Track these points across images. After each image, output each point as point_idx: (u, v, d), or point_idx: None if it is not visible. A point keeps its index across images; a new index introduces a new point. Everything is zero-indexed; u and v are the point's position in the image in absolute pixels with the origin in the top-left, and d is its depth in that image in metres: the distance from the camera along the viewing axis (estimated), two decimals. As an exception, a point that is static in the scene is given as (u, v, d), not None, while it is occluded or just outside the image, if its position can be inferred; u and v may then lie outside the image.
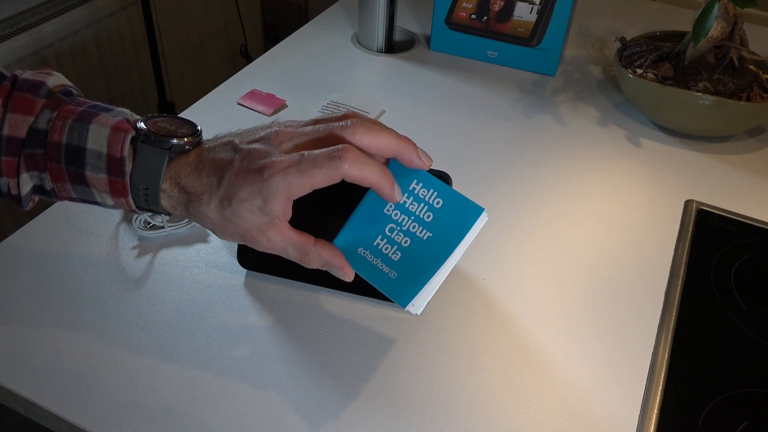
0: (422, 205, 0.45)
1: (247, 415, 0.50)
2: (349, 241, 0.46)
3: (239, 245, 0.61)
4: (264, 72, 0.93)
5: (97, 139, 0.44)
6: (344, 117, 0.44)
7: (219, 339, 0.55)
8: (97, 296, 0.58)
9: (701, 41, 0.80)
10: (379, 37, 0.98)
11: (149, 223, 0.65)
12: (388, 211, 0.46)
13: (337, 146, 0.42)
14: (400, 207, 0.45)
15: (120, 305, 0.58)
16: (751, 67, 0.83)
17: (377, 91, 0.90)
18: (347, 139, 0.43)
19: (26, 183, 0.46)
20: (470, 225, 0.43)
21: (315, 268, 0.46)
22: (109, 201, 0.47)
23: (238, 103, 0.85)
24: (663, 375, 0.54)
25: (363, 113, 0.84)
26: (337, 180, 0.42)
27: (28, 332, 0.55)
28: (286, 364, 0.54)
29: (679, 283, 0.63)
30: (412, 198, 0.45)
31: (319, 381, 0.53)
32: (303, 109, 0.85)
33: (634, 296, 0.62)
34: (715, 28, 0.80)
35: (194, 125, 0.48)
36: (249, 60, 1.92)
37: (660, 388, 0.53)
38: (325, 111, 0.84)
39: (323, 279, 0.60)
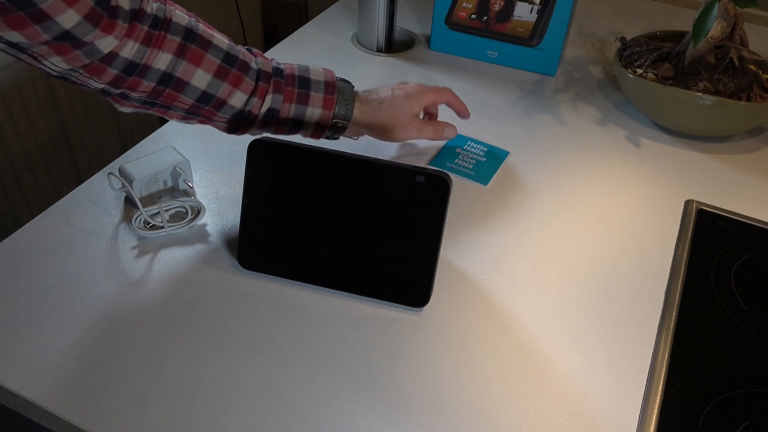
0: (476, 150, 0.80)
1: (246, 415, 0.50)
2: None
3: (239, 245, 0.61)
4: (264, 72, 0.93)
5: (316, 74, 0.66)
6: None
7: (219, 339, 0.55)
8: (96, 296, 0.58)
9: (701, 41, 0.80)
10: (379, 37, 0.98)
11: (149, 223, 0.65)
12: (458, 150, 0.80)
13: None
14: (464, 150, 0.80)
15: (120, 305, 0.58)
16: (751, 67, 0.83)
17: (377, 91, 0.90)
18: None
19: (267, 104, 0.63)
20: (501, 162, 0.79)
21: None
22: (317, 113, 0.66)
23: (238, 103, 0.85)
24: (663, 375, 0.54)
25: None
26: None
27: (28, 332, 0.55)
28: (286, 364, 0.54)
29: (679, 283, 0.63)
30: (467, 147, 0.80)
31: (319, 381, 0.53)
32: (303, 109, 0.85)
33: (634, 296, 0.62)
34: (715, 28, 0.80)
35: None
36: (249, 60, 1.91)
37: (660, 388, 0.53)
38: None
39: (323, 279, 0.60)
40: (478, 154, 0.79)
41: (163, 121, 1.58)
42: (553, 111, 0.89)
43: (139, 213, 0.65)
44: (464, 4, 0.95)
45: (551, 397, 0.53)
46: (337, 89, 0.66)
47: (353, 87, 0.69)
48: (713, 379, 0.55)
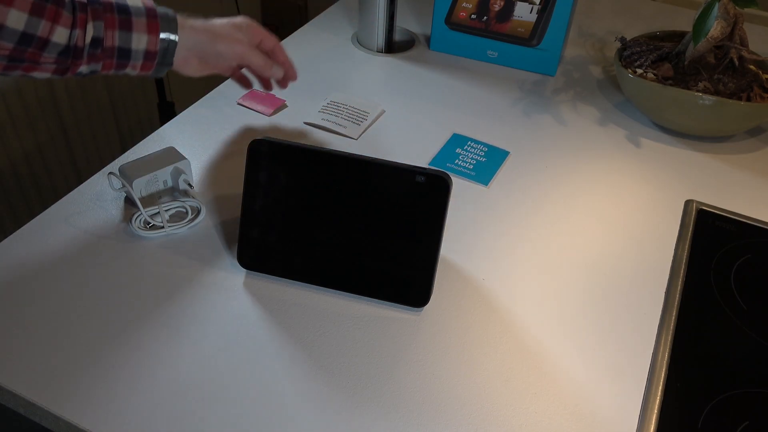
0: (476, 150, 0.81)
1: (247, 415, 0.50)
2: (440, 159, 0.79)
3: (239, 245, 0.61)
4: (264, 72, 0.93)
5: (134, 1, 0.64)
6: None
7: (219, 339, 0.55)
8: (96, 296, 0.58)
9: (701, 41, 0.80)
10: (379, 37, 0.98)
11: (149, 223, 0.65)
12: (458, 150, 0.81)
13: None
14: (464, 150, 0.81)
15: (119, 305, 0.58)
16: (751, 67, 0.83)
17: (377, 90, 0.90)
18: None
19: (90, 32, 0.61)
20: (501, 162, 0.79)
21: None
22: (143, 39, 0.64)
23: (238, 103, 0.85)
24: (663, 375, 0.54)
25: (363, 113, 0.84)
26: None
27: (28, 332, 0.55)
28: (286, 364, 0.54)
29: (679, 283, 0.63)
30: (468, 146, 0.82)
31: (319, 381, 0.53)
32: (303, 109, 0.85)
33: (634, 296, 0.62)
34: (715, 28, 0.80)
35: None
36: (249, 60, 1.91)
37: (660, 388, 0.53)
38: (325, 111, 0.84)
39: (323, 279, 0.60)
40: (478, 154, 0.79)
41: (163, 121, 1.58)
42: (553, 111, 0.89)
43: (139, 213, 0.65)
44: (464, 4, 0.95)
45: (551, 397, 0.53)
46: (159, 13, 0.65)
47: (172, 10, 0.68)
48: (713, 379, 0.55)
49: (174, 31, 0.66)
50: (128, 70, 0.66)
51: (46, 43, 0.59)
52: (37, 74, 0.62)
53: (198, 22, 0.69)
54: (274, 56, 0.74)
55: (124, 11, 0.63)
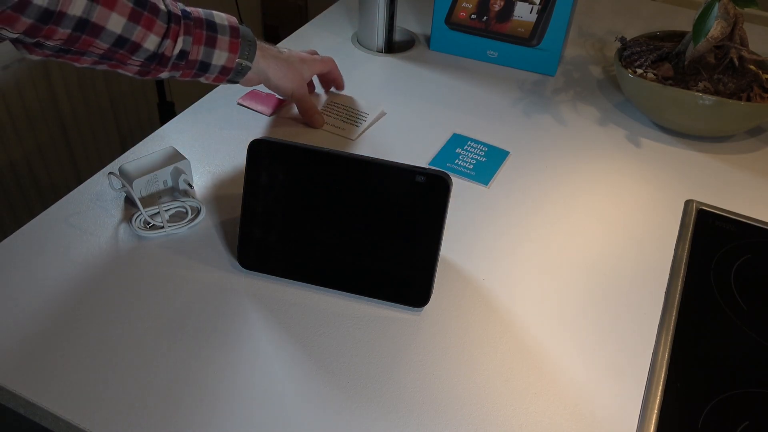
0: (476, 150, 0.81)
1: (247, 416, 0.50)
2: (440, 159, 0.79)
3: (239, 245, 0.61)
4: (264, 72, 0.92)
5: (220, 19, 0.69)
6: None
7: (219, 339, 0.55)
8: (96, 296, 0.58)
9: (701, 41, 0.80)
10: (379, 37, 0.98)
11: (149, 223, 0.65)
12: (458, 150, 0.80)
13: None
14: (464, 150, 0.80)
15: (119, 305, 0.58)
16: (751, 67, 0.83)
17: (377, 91, 0.90)
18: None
19: (179, 45, 0.65)
20: (501, 162, 0.79)
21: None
22: (223, 56, 0.69)
23: (238, 103, 0.85)
24: (663, 375, 0.54)
25: (363, 113, 0.84)
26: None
27: (28, 332, 0.55)
28: (286, 364, 0.54)
29: (679, 283, 0.63)
30: (468, 146, 0.81)
31: (319, 381, 0.53)
32: (303, 109, 0.85)
33: (634, 296, 0.62)
34: (715, 28, 0.80)
35: None
36: (249, 60, 1.90)
37: (660, 388, 0.53)
38: (325, 111, 0.84)
39: (323, 279, 0.60)
40: (479, 154, 0.79)
41: (163, 121, 1.58)
42: (553, 111, 0.89)
43: (139, 213, 0.65)
44: (464, 4, 0.95)
45: (551, 397, 0.53)
46: (241, 34, 0.70)
47: (252, 32, 0.72)
48: (713, 379, 0.55)
49: (251, 60, 0.71)
50: (201, 79, 0.70)
51: (137, 47, 0.62)
52: (121, 71, 0.66)
53: (274, 51, 0.76)
54: (331, 74, 0.84)
55: (212, 28, 0.67)
